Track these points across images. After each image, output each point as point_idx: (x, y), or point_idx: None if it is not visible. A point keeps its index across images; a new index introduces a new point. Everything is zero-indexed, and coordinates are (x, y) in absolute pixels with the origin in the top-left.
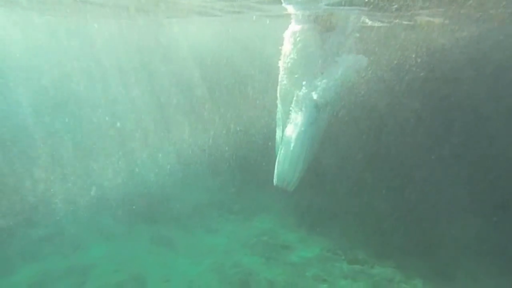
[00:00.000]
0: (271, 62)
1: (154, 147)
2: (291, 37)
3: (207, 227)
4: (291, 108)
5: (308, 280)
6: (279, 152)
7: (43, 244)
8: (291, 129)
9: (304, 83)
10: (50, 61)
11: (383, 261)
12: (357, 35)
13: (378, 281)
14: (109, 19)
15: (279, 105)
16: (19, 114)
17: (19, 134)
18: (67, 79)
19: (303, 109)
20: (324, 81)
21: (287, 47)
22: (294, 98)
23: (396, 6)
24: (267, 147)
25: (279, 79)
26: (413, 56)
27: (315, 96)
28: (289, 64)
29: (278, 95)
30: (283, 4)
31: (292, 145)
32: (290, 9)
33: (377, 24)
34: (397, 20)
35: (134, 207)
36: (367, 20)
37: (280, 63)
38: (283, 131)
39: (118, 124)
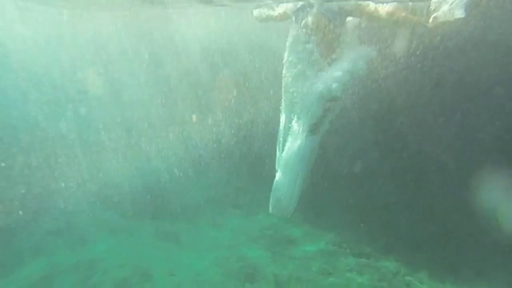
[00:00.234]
0: (279, 54)
1: (160, 142)
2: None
3: (212, 222)
4: (295, 102)
5: (314, 273)
6: (275, 179)
7: (50, 239)
8: (289, 147)
9: (308, 75)
10: (59, 54)
11: (388, 255)
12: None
13: (384, 274)
14: (114, 11)
15: (283, 98)
16: (29, 107)
17: (30, 127)
18: (75, 72)
19: (307, 103)
20: (332, 73)
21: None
22: (298, 91)
23: None
24: (272, 141)
25: (283, 72)
26: None
27: (320, 87)
28: (291, 57)
29: (282, 88)
30: None
31: (289, 168)
32: None
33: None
34: None
35: (139, 202)
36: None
37: (285, 55)
38: (285, 126)
39: (124, 118)
